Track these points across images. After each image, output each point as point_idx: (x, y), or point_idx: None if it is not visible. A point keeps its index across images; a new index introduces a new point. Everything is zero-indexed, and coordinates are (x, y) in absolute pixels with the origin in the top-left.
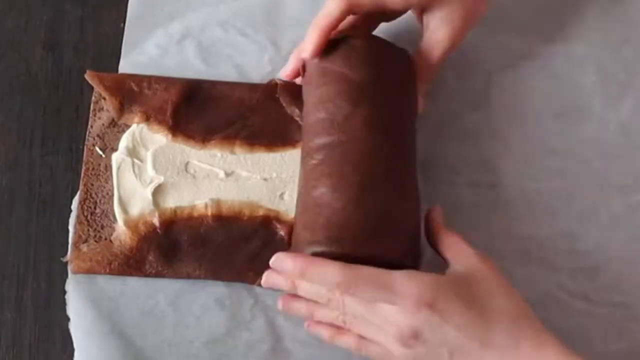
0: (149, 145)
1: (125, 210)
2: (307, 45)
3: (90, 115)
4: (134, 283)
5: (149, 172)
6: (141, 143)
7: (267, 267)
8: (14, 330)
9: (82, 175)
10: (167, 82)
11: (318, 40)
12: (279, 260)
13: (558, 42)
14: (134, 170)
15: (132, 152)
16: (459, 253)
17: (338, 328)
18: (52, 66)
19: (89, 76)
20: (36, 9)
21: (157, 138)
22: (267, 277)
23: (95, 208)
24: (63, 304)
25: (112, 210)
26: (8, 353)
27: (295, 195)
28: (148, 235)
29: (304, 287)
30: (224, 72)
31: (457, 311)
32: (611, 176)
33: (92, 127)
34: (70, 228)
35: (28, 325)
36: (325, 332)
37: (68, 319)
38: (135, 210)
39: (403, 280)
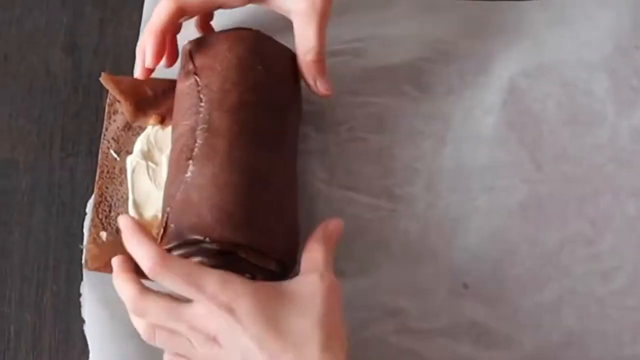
0: (163, 148)
1: (140, 214)
2: (147, 53)
3: (105, 118)
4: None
5: (163, 175)
6: (156, 146)
7: None
8: (33, 332)
9: (97, 178)
10: None
11: (153, 47)
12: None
13: (570, 50)
14: (148, 173)
15: (147, 155)
16: (309, 262)
17: None
18: (71, 69)
19: (103, 79)
20: (56, 11)
21: None
22: None
23: (110, 211)
24: (81, 306)
25: (127, 213)
26: (28, 355)
27: None
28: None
29: None
30: None
31: (256, 321)
32: (624, 180)
33: (107, 130)
34: (85, 231)
35: (48, 327)
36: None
37: (84, 321)
38: (149, 213)
39: (212, 281)
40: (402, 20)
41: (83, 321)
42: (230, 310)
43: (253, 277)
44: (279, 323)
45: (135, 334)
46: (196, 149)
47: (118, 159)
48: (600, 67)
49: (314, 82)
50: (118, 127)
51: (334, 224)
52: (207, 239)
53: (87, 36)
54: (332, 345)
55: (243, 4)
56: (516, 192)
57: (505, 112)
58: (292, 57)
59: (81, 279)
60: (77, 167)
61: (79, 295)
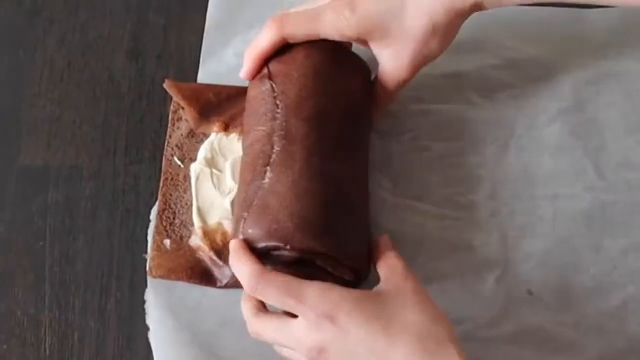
0: (227, 155)
1: (204, 221)
2: (243, 70)
3: (169, 125)
4: (213, 293)
5: (227, 182)
6: (220, 153)
7: None
8: (97, 339)
9: (161, 185)
10: (245, 91)
11: (250, 68)
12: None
13: (631, 58)
14: (212, 180)
15: (211, 162)
16: (387, 269)
17: None
18: (135, 75)
19: (167, 86)
20: (119, 17)
21: (236, 147)
22: None
23: (174, 218)
24: (145, 313)
25: (191, 220)
26: None
27: None
28: (226, 246)
29: None
30: None
31: (359, 324)
32: None
33: (170, 137)
34: (149, 238)
35: (111, 334)
36: None
37: (148, 328)
38: (213, 220)
39: (311, 292)
40: (467, 26)
41: (147, 328)
42: (332, 319)
43: None
44: (383, 322)
45: (199, 341)
46: (274, 155)
47: (182, 166)
48: None
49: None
50: (182, 134)
51: (385, 239)
52: (288, 246)
53: (150, 42)
54: (438, 330)
55: (345, 39)
56: (580, 200)
57: (569, 120)
58: (366, 69)
59: (145, 286)
60: (140, 173)
61: (143, 302)
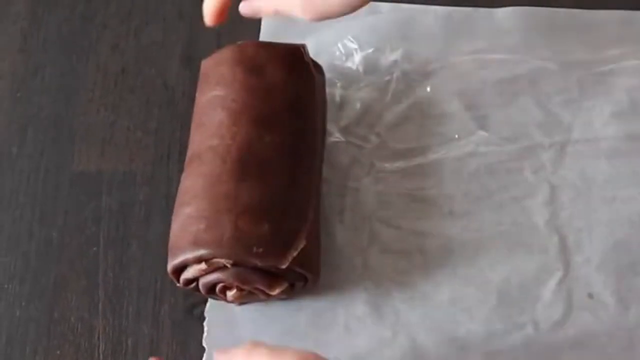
0: None
1: None
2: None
3: None
4: (272, 303)
5: None
6: None
7: None
8: (151, 345)
9: None
10: None
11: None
12: None
13: None
14: None
15: None
16: None
17: None
18: (189, 81)
19: None
20: (173, 24)
21: None
22: None
23: None
24: (199, 318)
25: None
26: None
27: None
28: None
29: None
30: None
31: None
32: None
33: None
34: None
35: (165, 340)
36: None
37: (202, 334)
38: None
39: None
40: (520, 30)
41: (200, 333)
42: None
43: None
44: None
45: None
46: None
47: None
48: None
49: None
50: None
51: None
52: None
53: (204, 49)
54: None
55: None
56: (637, 202)
57: (624, 123)
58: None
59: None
60: None
61: (197, 307)
